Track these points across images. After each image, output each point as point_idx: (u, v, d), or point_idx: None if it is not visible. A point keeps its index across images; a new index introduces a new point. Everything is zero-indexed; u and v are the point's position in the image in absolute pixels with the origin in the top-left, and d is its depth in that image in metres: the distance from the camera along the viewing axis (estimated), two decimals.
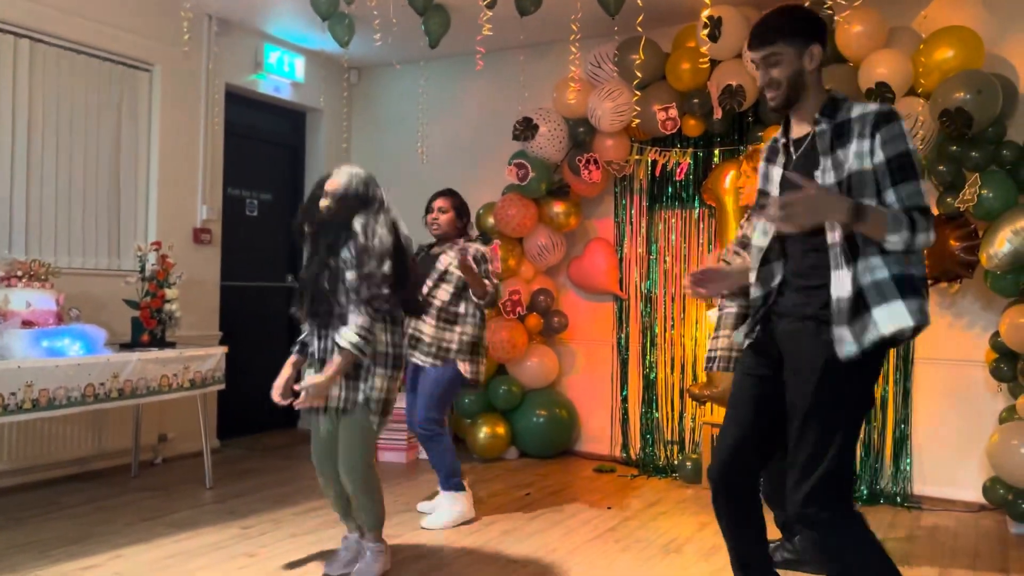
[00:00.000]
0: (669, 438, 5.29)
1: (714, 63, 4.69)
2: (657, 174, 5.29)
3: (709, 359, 3.63)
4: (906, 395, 4.58)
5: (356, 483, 3.09)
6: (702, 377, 5.01)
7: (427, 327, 3.91)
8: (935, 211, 4.32)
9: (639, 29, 4.42)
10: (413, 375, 4.05)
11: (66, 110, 4.66)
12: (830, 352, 2.20)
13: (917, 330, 2.18)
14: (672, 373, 5.31)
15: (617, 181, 5.46)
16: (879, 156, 2.18)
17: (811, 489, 2.21)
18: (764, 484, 3.33)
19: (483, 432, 5.29)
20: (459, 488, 4.00)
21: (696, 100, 4.81)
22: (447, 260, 3.96)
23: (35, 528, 3.73)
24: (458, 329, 3.93)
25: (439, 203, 4.04)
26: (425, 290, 3.91)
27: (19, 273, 3.98)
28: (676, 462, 5.13)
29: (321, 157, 6.38)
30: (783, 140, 2.42)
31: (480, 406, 5.43)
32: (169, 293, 4.44)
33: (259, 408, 6.00)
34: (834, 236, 2.21)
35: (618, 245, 5.51)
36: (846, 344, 2.17)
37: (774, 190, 2.41)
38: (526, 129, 5.12)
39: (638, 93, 4.76)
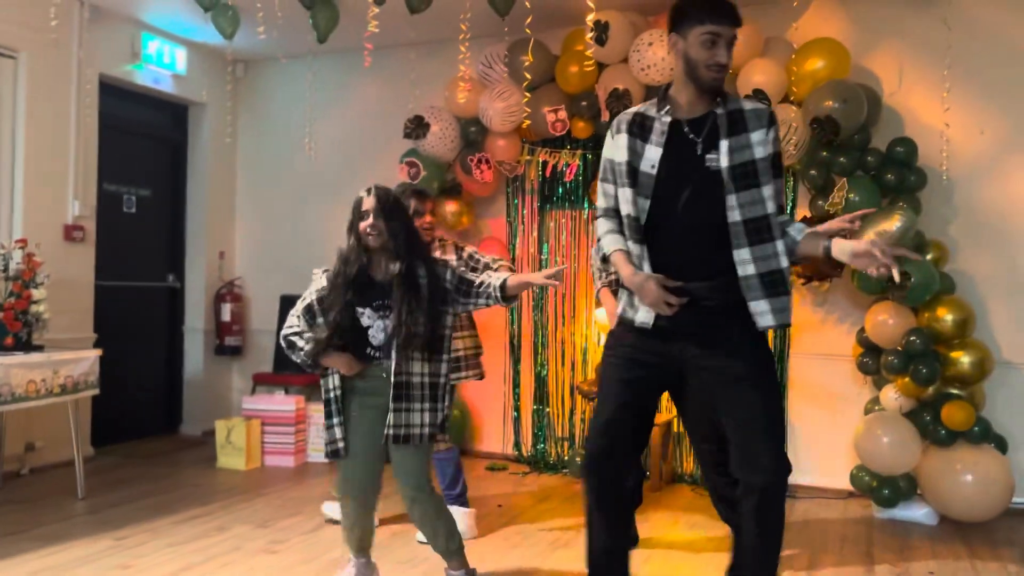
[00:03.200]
0: (560, 435, 5.37)
1: (601, 66, 4.78)
2: (548, 175, 5.36)
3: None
4: (782, 389, 4.80)
5: (437, 506, 2.93)
6: (591, 374, 5.10)
7: (465, 339, 3.94)
8: (807, 214, 4.55)
9: (528, 31, 4.46)
10: None
11: None
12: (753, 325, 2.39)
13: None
14: (562, 370, 5.39)
15: (509, 181, 5.50)
16: (770, 149, 2.37)
17: (782, 450, 2.41)
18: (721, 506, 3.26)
19: None
20: (465, 504, 3.89)
21: (584, 103, 4.89)
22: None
23: None
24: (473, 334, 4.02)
25: (430, 204, 3.84)
26: None
27: None
28: (566, 458, 5.21)
29: (205, 152, 6.16)
30: (667, 118, 2.43)
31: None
32: (36, 294, 4.18)
33: (137, 413, 5.81)
34: (735, 216, 2.36)
35: (510, 244, 5.54)
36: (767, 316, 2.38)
37: (647, 167, 2.42)
38: (417, 127, 5.09)
39: (528, 95, 4.81)
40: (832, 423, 4.67)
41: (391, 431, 2.79)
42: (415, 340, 2.77)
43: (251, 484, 4.71)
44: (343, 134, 5.96)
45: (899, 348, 4.12)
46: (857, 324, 4.50)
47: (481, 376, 4.00)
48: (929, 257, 4.23)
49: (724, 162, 2.35)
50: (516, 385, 5.52)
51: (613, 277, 3.50)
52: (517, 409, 5.51)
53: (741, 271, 2.36)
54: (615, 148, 2.51)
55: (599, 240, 2.59)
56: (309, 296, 2.91)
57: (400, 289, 2.80)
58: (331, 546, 3.59)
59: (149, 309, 5.95)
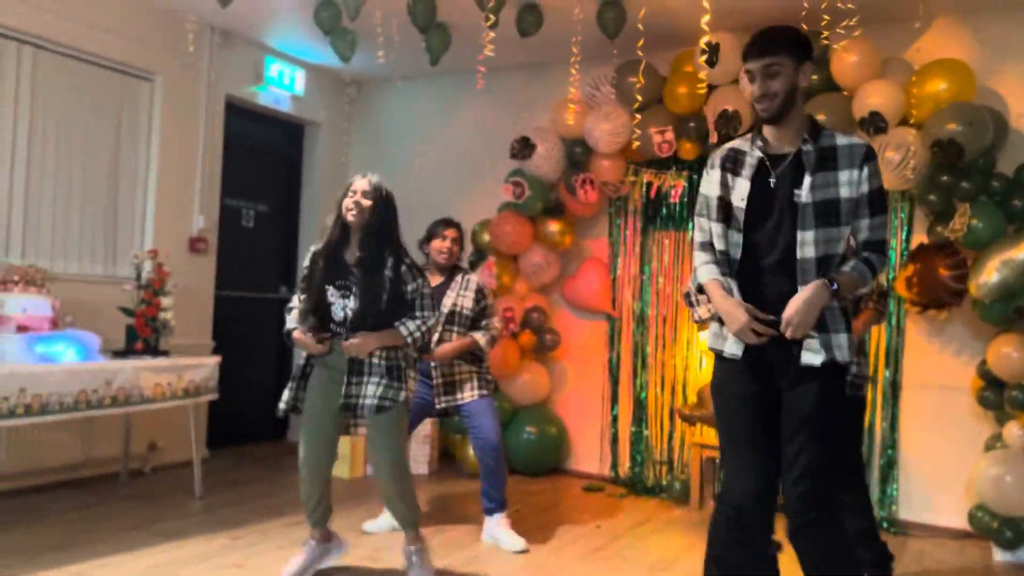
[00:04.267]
0: (658, 458, 5.31)
1: (711, 88, 4.75)
2: (652, 196, 5.34)
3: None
4: (894, 420, 4.62)
5: (400, 480, 3.18)
6: (692, 398, 5.04)
7: (462, 366, 4.01)
8: (925, 240, 4.39)
9: (639, 53, 4.48)
10: (422, 413, 4.08)
11: (66, 117, 4.68)
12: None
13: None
14: (662, 393, 5.34)
15: (612, 202, 5.51)
16: (864, 187, 2.37)
17: (815, 493, 2.38)
18: None
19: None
20: (502, 509, 4.04)
21: (692, 124, 4.87)
22: (459, 299, 4.00)
23: (22, 534, 3.71)
24: (486, 363, 4.11)
25: (452, 232, 4.03)
26: (434, 336, 3.93)
27: (15, 278, 3.99)
28: (665, 482, 5.15)
29: (319, 170, 6.42)
30: (757, 153, 2.46)
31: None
32: (164, 301, 4.45)
33: (248, 418, 6.06)
34: (808, 252, 2.38)
35: (612, 265, 5.55)
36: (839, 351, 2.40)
37: (738, 201, 2.45)
38: (523, 148, 5.17)
39: (636, 116, 4.82)
40: (948, 459, 4.47)
41: (343, 400, 3.03)
42: (367, 323, 3.01)
43: (355, 492, 4.84)
44: (451, 154, 6.11)
45: (1022, 383, 3.91)
46: (978, 355, 4.29)
47: (487, 394, 4.04)
48: None
49: (806, 198, 2.37)
50: (614, 406, 5.49)
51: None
52: (615, 430, 5.49)
53: None
54: (709, 183, 2.56)
55: (695, 271, 2.62)
56: (302, 273, 3.20)
57: (361, 272, 3.02)
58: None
59: (262, 319, 6.21)
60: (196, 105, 5.36)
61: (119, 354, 4.28)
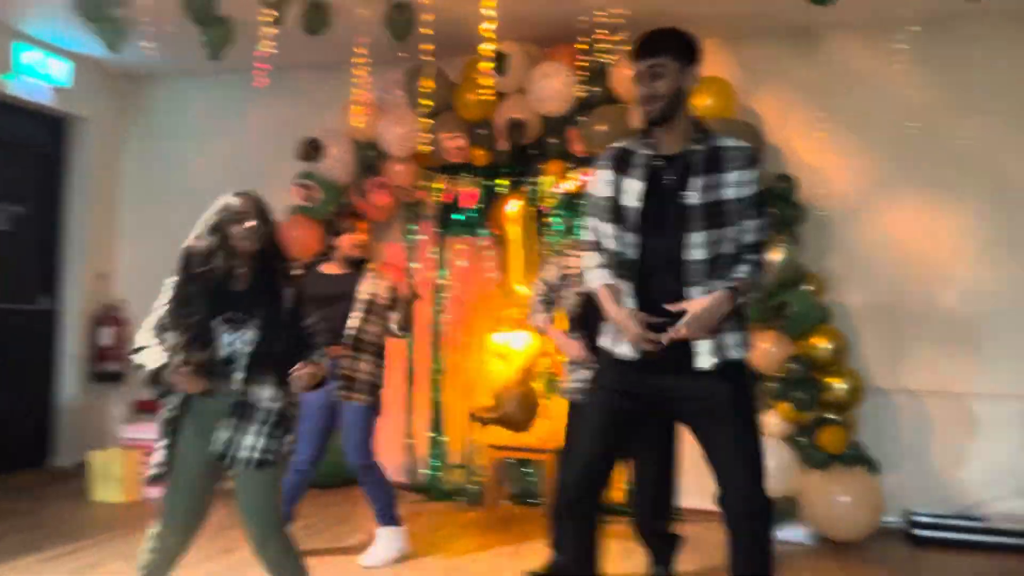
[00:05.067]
0: (455, 462, 5.33)
1: (500, 96, 4.84)
2: (446, 201, 5.36)
3: (577, 392, 3.43)
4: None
5: (275, 535, 2.66)
6: (487, 400, 5.10)
7: (364, 364, 3.79)
8: None
9: (427, 58, 4.47)
10: (330, 411, 3.83)
11: None
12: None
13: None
14: (459, 397, 5.37)
15: (406, 206, 5.47)
16: (752, 189, 2.39)
17: (761, 481, 2.41)
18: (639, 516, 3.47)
19: None
20: (397, 523, 3.85)
21: (483, 131, 4.93)
22: (371, 289, 3.82)
23: None
24: (384, 362, 3.90)
25: (365, 224, 3.90)
26: (355, 323, 3.76)
27: None
28: (461, 486, 5.18)
29: (87, 169, 5.88)
30: (645, 152, 2.45)
31: None
32: None
33: (5, 444, 5.43)
34: (698, 254, 2.37)
35: (406, 270, 5.50)
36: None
37: (631, 202, 2.42)
38: (312, 149, 5.01)
39: (426, 120, 4.81)
40: None
41: (213, 447, 2.57)
42: (269, 360, 2.60)
43: (130, 518, 4.47)
44: (237, 154, 5.80)
45: (780, 375, 4.29)
46: None
47: (370, 404, 3.88)
48: (808, 288, 4.44)
49: (694, 200, 2.37)
50: (412, 412, 5.45)
51: (550, 315, 3.60)
52: (411, 436, 5.44)
53: None
54: (598, 183, 2.51)
55: (585, 273, 2.59)
56: (159, 309, 2.67)
57: (264, 302, 2.63)
58: None
59: (20, 333, 5.59)
60: None
61: None
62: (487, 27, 3.83)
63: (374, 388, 3.85)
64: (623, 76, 4.56)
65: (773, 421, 4.39)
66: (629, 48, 2.49)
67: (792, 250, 4.30)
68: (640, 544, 3.55)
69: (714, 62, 4.85)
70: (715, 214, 2.37)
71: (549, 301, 3.62)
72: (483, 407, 4.99)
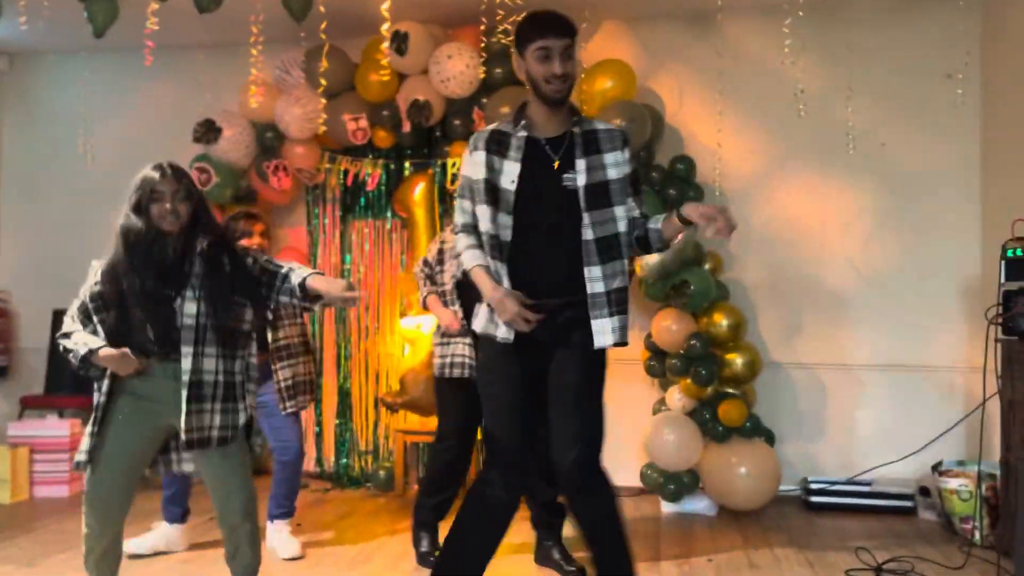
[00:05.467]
0: (363, 448, 5.28)
1: (402, 77, 4.78)
2: (349, 184, 5.27)
3: (449, 365, 3.59)
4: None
5: (251, 510, 2.64)
6: (395, 385, 5.06)
7: (303, 367, 3.85)
8: None
9: (323, 37, 4.37)
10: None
11: None
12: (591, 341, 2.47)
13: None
14: (366, 383, 5.31)
15: (309, 190, 5.36)
16: (627, 168, 2.49)
17: (591, 453, 2.49)
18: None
19: None
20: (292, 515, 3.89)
21: (386, 112, 4.86)
22: None
23: None
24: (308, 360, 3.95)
25: (261, 226, 3.79)
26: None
27: None
28: (369, 472, 5.13)
29: None
30: (523, 134, 2.47)
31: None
32: None
33: None
34: (588, 234, 2.42)
35: (311, 255, 5.40)
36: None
37: (506, 183, 2.45)
38: (207, 132, 4.83)
39: (324, 101, 4.70)
40: (625, 425, 4.90)
41: (185, 436, 2.50)
42: (213, 334, 2.54)
43: (17, 519, 4.26)
44: (126, 137, 5.55)
45: (681, 352, 4.40)
46: (645, 329, 4.76)
47: (310, 402, 3.98)
48: (707, 267, 4.56)
49: (580, 181, 2.43)
50: (318, 399, 5.36)
51: (443, 289, 3.64)
52: (320, 424, 5.36)
53: (590, 288, 2.44)
54: (473, 165, 2.52)
55: (458, 256, 2.59)
56: (84, 292, 2.58)
57: (202, 276, 2.55)
58: None
59: None
60: None
61: None
62: (385, 6, 3.75)
63: (305, 388, 3.90)
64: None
65: (676, 397, 4.50)
66: (526, 25, 2.48)
67: (691, 230, 4.38)
68: (530, 516, 3.58)
69: (615, 44, 4.92)
70: (599, 195, 2.45)
71: (430, 277, 3.71)
72: (390, 392, 4.95)
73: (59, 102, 5.67)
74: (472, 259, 2.51)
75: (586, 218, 2.43)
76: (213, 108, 5.08)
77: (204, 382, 2.52)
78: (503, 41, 4.50)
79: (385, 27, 4.02)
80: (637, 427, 4.77)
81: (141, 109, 5.58)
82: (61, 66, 5.59)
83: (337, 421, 5.32)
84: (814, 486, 4.61)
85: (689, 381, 4.39)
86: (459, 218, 2.58)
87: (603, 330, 2.45)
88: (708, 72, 4.86)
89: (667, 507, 4.56)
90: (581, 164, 2.44)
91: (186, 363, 2.50)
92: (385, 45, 4.34)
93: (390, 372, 5.25)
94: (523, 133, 2.48)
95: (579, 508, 2.57)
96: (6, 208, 5.78)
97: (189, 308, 2.51)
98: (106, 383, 2.56)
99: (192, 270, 2.55)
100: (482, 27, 4.47)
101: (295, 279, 2.59)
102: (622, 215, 2.47)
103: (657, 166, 4.65)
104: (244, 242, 3.72)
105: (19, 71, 5.77)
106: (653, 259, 4.38)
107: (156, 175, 2.54)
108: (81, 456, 2.55)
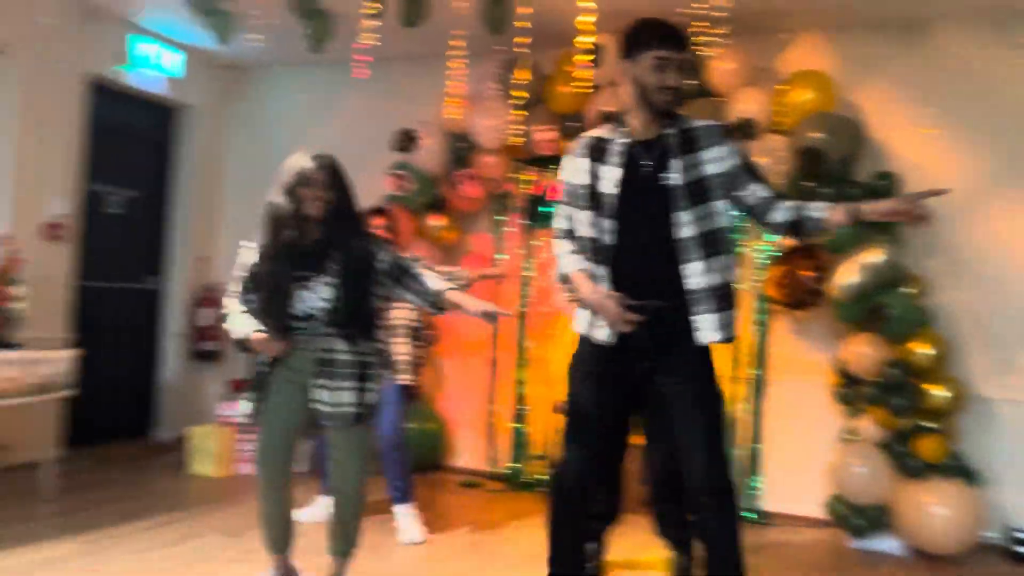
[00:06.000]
0: (538, 453, 5.35)
1: (595, 88, 4.82)
2: (535, 193, 5.37)
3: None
4: (757, 414, 4.82)
5: (359, 486, 2.84)
6: None
7: (402, 345, 4.04)
8: (790, 243, 4.60)
9: (523, 50, 4.49)
10: None
11: None
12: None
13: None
14: (542, 388, 5.38)
15: (496, 197, 5.52)
16: (736, 159, 2.49)
17: (723, 462, 2.46)
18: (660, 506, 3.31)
19: None
20: (413, 499, 4.06)
21: (576, 123, 4.92)
22: None
23: None
24: (423, 343, 4.19)
25: (379, 221, 4.08)
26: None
27: None
28: (543, 477, 5.19)
29: (192, 156, 6.15)
30: (624, 140, 2.51)
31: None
32: (16, 291, 4.14)
33: (112, 415, 5.74)
34: (686, 232, 2.43)
35: (495, 261, 5.55)
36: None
37: (608, 188, 2.49)
38: (406, 140, 5.10)
39: (519, 113, 4.83)
40: (807, 451, 4.69)
41: (319, 408, 2.71)
42: (346, 317, 2.70)
43: (223, 492, 4.66)
44: (333, 144, 5.84)
45: (876, 379, 4.15)
46: (835, 352, 4.52)
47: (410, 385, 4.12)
48: (909, 291, 4.27)
49: (678, 180, 2.44)
50: (495, 401, 5.50)
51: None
52: (495, 426, 5.50)
53: (689, 285, 2.44)
54: (574, 171, 2.58)
55: (559, 259, 2.63)
56: (236, 272, 2.82)
57: (337, 262, 2.72)
58: (301, 556, 3.55)
59: (127, 311, 5.90)
60: (55, 83, 5.01)
61: None
62: (585, 20, 3.81)
63: (410, 368, 4.08)
64: (720, 69, 4.48)
65: (867, 426, 4.25)
66: (645, 31, 2.48)
67: (892, 250, 4.14)
68: (656, 533, 3.45)
69: (815, 55, 4.72)
70: (698, 192, 2.45)
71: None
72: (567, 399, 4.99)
73: (277, 110, 6.18)
74: (571, 263, 2.56)
75: (684, 216, 2.43)
76: (411, 118, 5.36)
77: (336, 360, 2.70)
78: (698, 52, 4.45)
79: (583, 40, 4.07)
80: (820, 453, 4.54)
81: (347, 117, 5.97)
82: (280, 78, 6.08)
83: (512, 424, 5.43)
84: (1021, 535, 4.19)
85: (883, 411, 4.13)
86: (559, 223, 2.63)
87: (707, 326, 2.43)
88: (916, 83, 4.56)
89: (852, 542, 4.30)
90: (678, 163, 2.45)
91: (321, 342, 2.70)
92: (581, 58, 4.39)
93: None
94: (623, 139, 2.52)
95: (705, 524, 2.50)
96: (227, 207, 6.37)
97: (326, 292, 2.70)
98: (265, 356, 2.81)
99: (331, 255, 2.72)
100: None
101: (432, 285, 2.74)
102: (722, 209, 2.47)
103: (857, 182, 4.42)
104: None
105: (243, 83, 6.34)
106: (850, 279, 4.16)
107: (310, 163, 2.75)
108: (242, 419, 2.86)
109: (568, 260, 2.57)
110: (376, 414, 2.86)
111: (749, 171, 2.51)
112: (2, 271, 4.12)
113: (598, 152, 2.55)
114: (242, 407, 2.87)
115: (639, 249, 2.47)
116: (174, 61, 5.81)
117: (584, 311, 2.57)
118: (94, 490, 4.49)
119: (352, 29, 4.83)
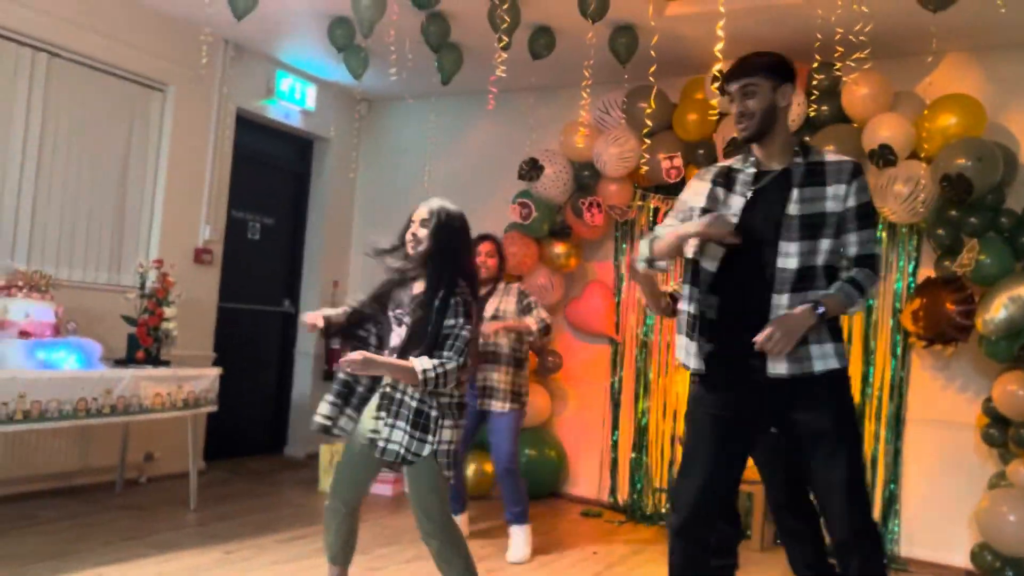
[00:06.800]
0: (657, 486, 5.26)
1: (722, 116, 4.76)
2: (659, 221, 5.32)
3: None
4: (896, 455, 4.58)
5: (435, 531, 2.81)
6: None
7: (499, 374, 4.14)
8: (932, 274, 4.38)
9: (650, 79, 4.50)
10: (478, 418, 4.21)
11: (78, 124, 4.70)
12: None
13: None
14: (663, 420, 5.31)
15: (618, 225, 5.51)
16: (851, 202, 2.42)
17: (864, 506, 2.42)
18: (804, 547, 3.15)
19: (470, 469, 5.25)
20: (528, 521, 4.17)
21: (701, 151, 4.87)
22: (501, 304, 4.22)
23: (13, 542, 3.68)
24: (524, 372, 4.22)
25: (486, 247, 4.20)
26: (487, 338, 4.13)
27: (20, 283, 3.98)
28: (663, 510, 5.10)
29: (326, 185, 6.44)
30: (752, 170, 2.52)
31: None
32: (167, 311, 4.43)
33: (247, 431, 6.04)
34: (789, 263, 2.40)
35: (616, 289, 5.53)
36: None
37: (730, 214, 2.48)
38: (532, 169, 5.17)
39: (646, 141, 4.82)
40: (951, 496, 4.42)
41: (371, 435, 2.74)
42: (406, 358, 2.69)
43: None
44: (459, 173, 6.11)
45: None
46: (983, 392, 4.26)
47: (514, 408, 4.16)
48: None
49: (793, 211, 2.41)
50: (615, 431, 5.46)
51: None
52: (615, 456, 5.45)
53: (773, 315, 2.39)
54: (694, 193, 2.60)
55: (642, 242, 2.63)
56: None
57: (416, 306, 2.76)
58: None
59: (264, 332, 6.20)
60: (207, 117, 5.38)
61: (120, 363, 4.27)
62: (718, 48, 3.79)
63: (516, 396, 4.13)
64: (855, 95, 4.34)
65: (1020, 472, 3.96)
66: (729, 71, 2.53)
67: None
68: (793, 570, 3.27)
69: (960, 77, 4.51)
70: (812, 226, 2.40)
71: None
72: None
73: (407, 141, 6.40)
74: (660, 229, 2.57)
75: (791, 248, 2.40)
76: (536, 147, 5.43)
77: (394, 398, 2.73)
78: (836, 76, 4.33)
79: (716, 67, 4.04)
80: (968, 500, 4.27)
81: (473, 147, 6.12)
82: (411, 109, 6.30)
83: (632, 455, 5.37)
84: None
85: None
86: (656, 229, 2.62)
87: (774, 358, 2.37)
88: None
89: None
90: (795, 194, 2.43)
91: (386, 376, 2.76)
92: (713, 86, 4.35)
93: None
94: (751, 169, 2.52)
95: (847, 569, 2.40)
96: (357, 234, 6.62)
97: (399, 329, 2.78)
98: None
99: (411, 296, 2.79)
100: (815, 64, 4.32)
101: (421, 363, 2.64)
102: (827, 248, 2.41)
103: (1008, 210, 4.17)
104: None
105: (376, 114, 6.61)
106: (1000, 314, 3.91)
107: (424, 206, 2.83)
108: (317, 419, 2.85)
109: (662, 228, 2.57)
110: (432, 464, 2.74)
111: (858, 219, 2.43)
112: (156, 293, 4.42)
113: (725, 180, 2.56)
114: (321, 410, 2.90)
115: (742, 277, 2.46)
116: (311, 95, 6.12)
117: (683, 338, 2.54)
118: (233, 502, 4.72)
119: (480, 62, 4.98)
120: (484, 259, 4.18)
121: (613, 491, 5.41)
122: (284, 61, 5.85)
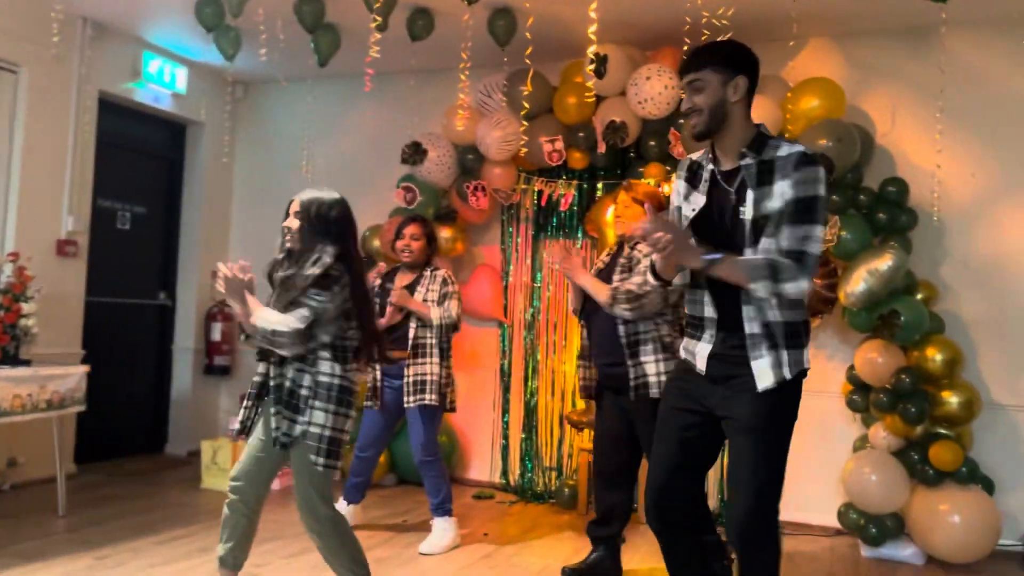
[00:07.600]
0: (548, 464, 5.34)
1: (599, 99, 4.83)
2: (543, 204, 5.38)
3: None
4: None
5: (313, 524, 2.77)
6: (580, 404, 5.09)
7: (418, 367, 4.00)
8: None
9: (528, 62, 4.51)
10: (398, 410, 4.13)
11: None
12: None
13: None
14: (552, 400, 5.38)
15: (504, 209, 5.52)
16: (789, 195, 2.26)
17: (755, 505, 2.39)
18: None
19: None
20: (451, 513, 4.11)
21: (581, 134, 4.93)
22: (427, 292, 4.09)
23: None
24: (445, 363, 4.09)
25: (411, 229, 4.10)
26: (412, 330, 4.02)
27: None
28: (554, 488, 5.18)
29: (201, 172, 6.18)
30: (711, 168, 2.43)
31: (358, 430, 5.32)
32: (26, 308, 4.17)
33: (123, 431, 5.76)
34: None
35: (504, 272, 5.56)
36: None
37: (689, 214, 2.45)
38: (415, 153, 5.12)
39: (525, 124, 4.84)
40: (821, 460, 4.66)
41: (271, 429, 2.75)
42: (266, 341, 2.72)
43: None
44: (341, 158, 5.99)
45: (888, 386, 4.13)
46: (847, 361, 4.51)
47: (444, 404, 4.09)
48: (919, 297, 4.26)
49: (745, 214, 2.32)
50: (505, 413, 5.50)
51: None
52: (506, 438, 5.49)
53: (748, 328, 2.34)
54: (675, 192, 2.55)
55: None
56: None
57: (276, 289, 2.85)
58: (311, 571, 3.55)
59: (139, 326, 5.92)
60: (65, 101, 5.06)
61: None
62: (592, 30, 3.83)
63: (430, 387, 4.02)
64: None
65: (881, 434, 4.22)
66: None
67: (902, 257, 4.12)
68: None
69: (822, 61, 4.73)
70: (761, 228, 2.31)
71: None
72: (576, 411, 4.99)
73: (285, 125, 6.21)
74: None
75: (747, 252, 2.31)
76: (418, 130, 5.38)
77: (279, 386, 2.73)
78: None
79: (590, 50, 4.09)
80: (835, 463, 4.52)
81: (355, 131, 6.00)
82: (288, 92, 6.11)
83: (523, 436, 5.43)
84: None
85: (896, 418, 4.10)
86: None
87: (760, 371, 2.34)
88: (925, 89, 4.55)
89: (867, 551, 4.27)
90: (751, 196, 2.32)
91: (270, 367, 2.78)
92: (588, 68, 4.40)
93: (576, 390, 5.27)
94: (710, 166, 2.44)
95: (741, 562, 2.46)
96: (235, 222, 6.40)
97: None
98: (261, 365, 2.86)
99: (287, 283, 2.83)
100: (684, 48, 4.43)
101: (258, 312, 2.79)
102: (772, 247, 2.29)
103: (866, 188, 4.41)
104: (397, 244, 4.09)
105: (252, 97, 6.38)
106: (859, 287, 4.14)
107: (300, 195, 2.88)
108: (235, 425, 2.93)
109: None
110: (302, 447, 2.72)
111: (791, 214, 2.26)
112: (12, 288, 4.15)
113: (691, 175, 2.49)
114: (240, 416, 2.95)
115: (713, 281, 2.36)
116: (182, 78, 5.85)
117: (684, 339, 2.58)
118: (107, 505, 4.50)
119: (358, 43, 4.88)
120: (408, 242, 4.09)
121: (505, 473, 5.46)
122: (151, 42, 5.56)
